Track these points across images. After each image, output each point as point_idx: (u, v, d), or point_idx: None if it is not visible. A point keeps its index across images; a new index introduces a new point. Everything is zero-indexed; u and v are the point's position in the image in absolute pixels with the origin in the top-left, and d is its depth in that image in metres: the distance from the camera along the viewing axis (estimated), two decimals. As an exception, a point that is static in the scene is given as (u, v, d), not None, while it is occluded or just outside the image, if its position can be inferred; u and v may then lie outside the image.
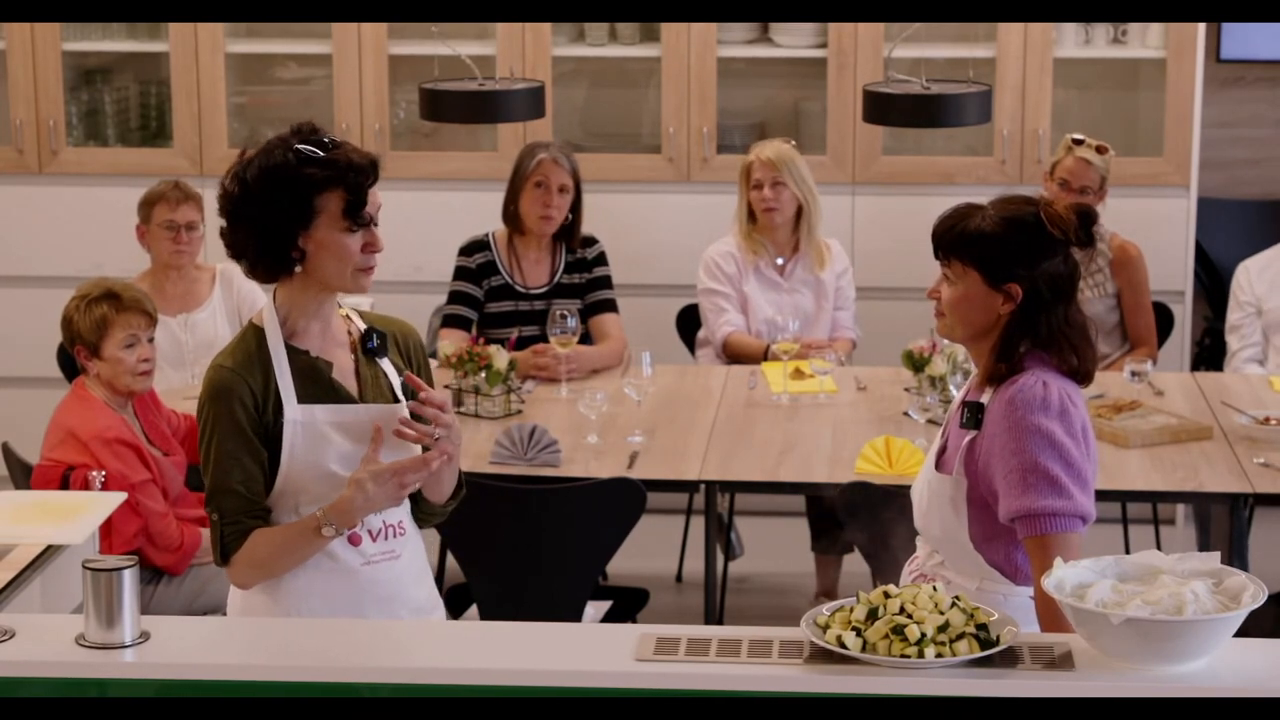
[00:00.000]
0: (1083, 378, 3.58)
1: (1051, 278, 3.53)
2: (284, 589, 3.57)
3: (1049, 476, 3.44)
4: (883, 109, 4.99)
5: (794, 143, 6.30)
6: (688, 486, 5.33)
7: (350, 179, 3.44)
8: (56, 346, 5.80)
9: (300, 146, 3.44)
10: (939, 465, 3.65)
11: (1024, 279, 3.52)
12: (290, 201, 3.44)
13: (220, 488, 3.50)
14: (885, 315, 6.80)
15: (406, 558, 3.64)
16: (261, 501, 3.52)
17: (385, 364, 3.62)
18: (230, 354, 3.54)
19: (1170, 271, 6.82)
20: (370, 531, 3.58)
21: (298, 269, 3.49)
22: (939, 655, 2.98)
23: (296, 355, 3.53)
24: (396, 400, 3.60)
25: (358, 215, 3.45)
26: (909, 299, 6.75)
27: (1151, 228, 6.80)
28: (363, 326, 3.63)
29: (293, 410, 3.50)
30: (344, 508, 3.49)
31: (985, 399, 3.58)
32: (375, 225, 3.50)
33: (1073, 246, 3.56)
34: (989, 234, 3.53)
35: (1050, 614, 3.36)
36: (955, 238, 3.56)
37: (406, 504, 3.64)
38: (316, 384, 3.54)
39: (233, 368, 3.50)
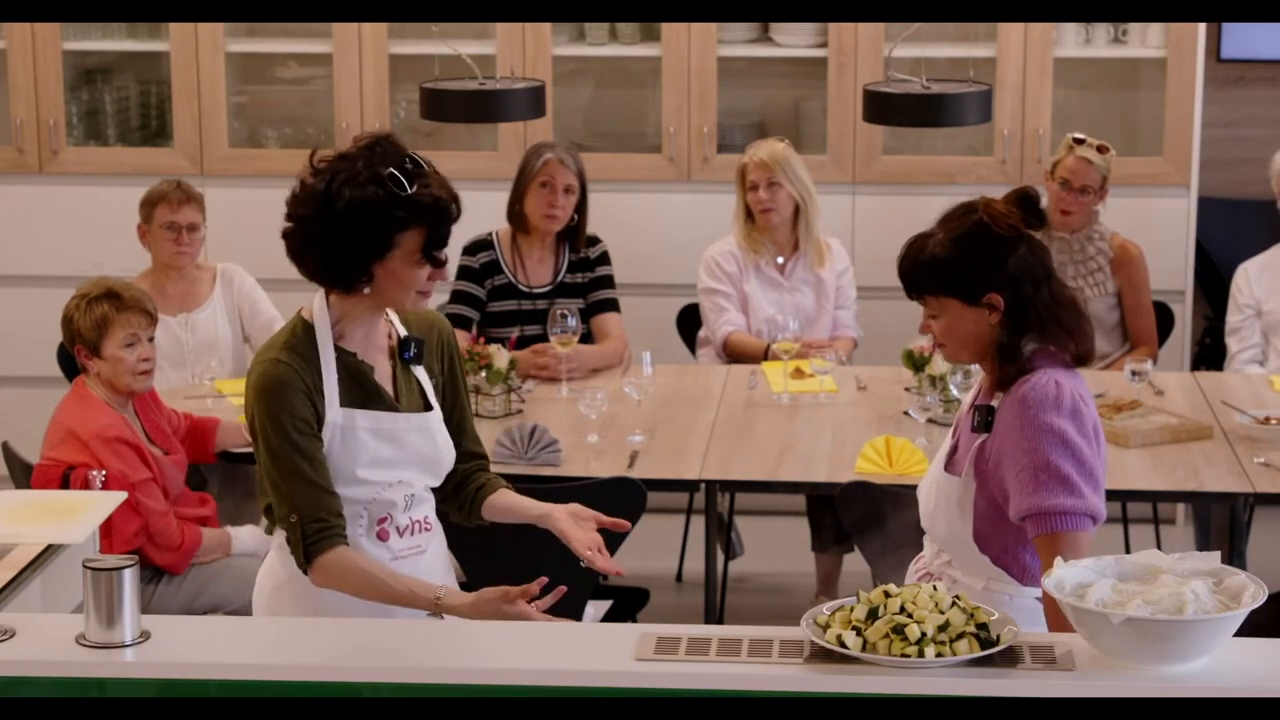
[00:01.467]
0: (1084, 359, 3.59)
1: (1023, 270, 3.54)
2: (310, 592, 3.56)
3: (1060, 475, 3.45)
4: (883, 109, 4.99)
5: (787, 141, 6.31)
6: (688, 486, 5.33)
7: (434, 221, 3.44)
8: (56, 346, 5.80)
9: (388, 176, 3.40)
10: (949, 466, 3.65)
11: (999, 285, 3.53)
12: (372, 235, 3.42)
13: (295, 483, 3.44)
14: (885, 315, 6.80)
15: (431, 553, 3.68)
16: (336, 493, 3.48)
17: (419, 371, 3.63)
18: (282, 348, 3.50)
19: (1170, 271, 6.82)
20: (398, 528, 3.60)
21: (366, 290, 3.48)
22: (939, 655, 2.99)
23: (344, 356, 3.54)
24: (429, 408, 3.61)
25: (435, 255, 3.46)
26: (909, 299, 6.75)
27: (1151, 227, 6.80)
28: (402, 332, 3.63)
29: (334, 413, 3.50)
30: (457, 610, 3.53)
31: (996, 402, 3.59)
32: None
33: (1029, 228, 3.57)
34: (946, 259, 3.54)
35: (1058, 613, 3.35)
36: (919, 274, 3.58)
37: (431, 499, 3.67)
38: (361, 387, 3.54)
39: (288, 361, 3.48)
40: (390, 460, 3.56)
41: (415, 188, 3.42)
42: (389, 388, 3.59)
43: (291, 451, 3.45)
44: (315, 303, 3.55)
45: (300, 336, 3.52)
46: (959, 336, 3.59)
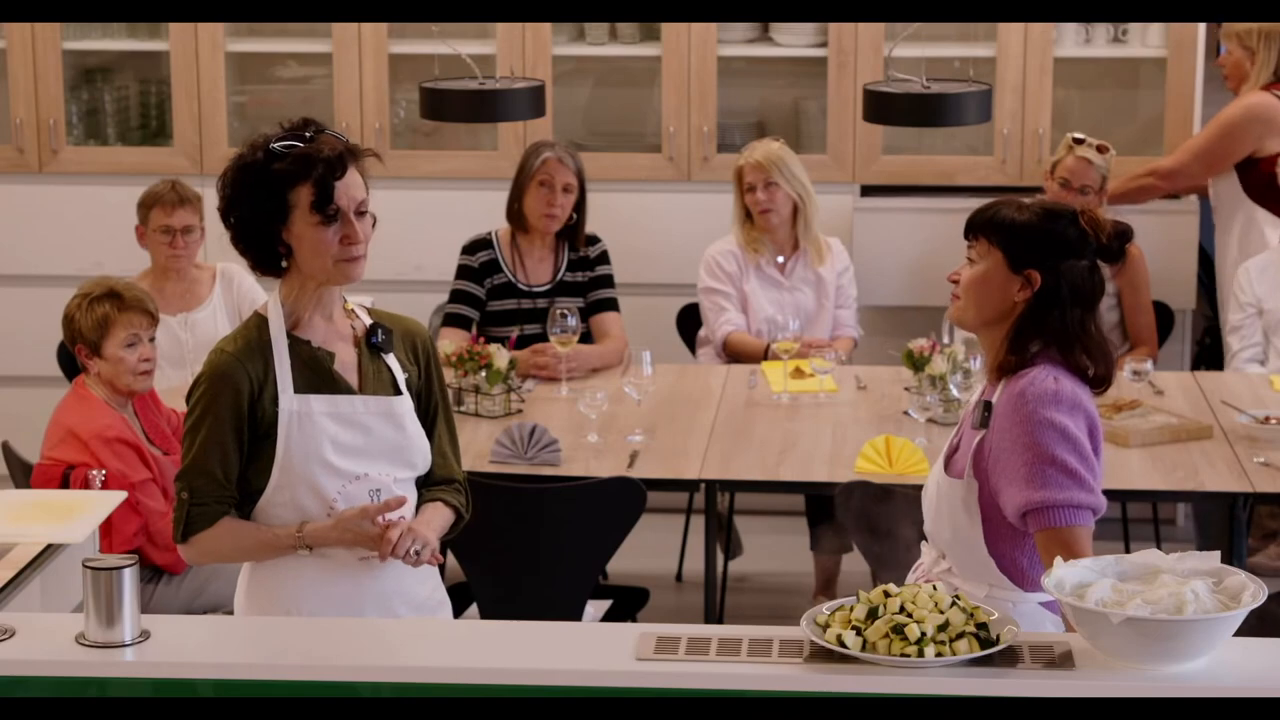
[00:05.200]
0: (1096, 382, 3.58)
1: (1073, 278, 3.55)
2: (281, 583, 3.59)
3: (1067, 468, 3.45)
4: (883, 108, 4.99)
5: (782, 141, 6.31)
6: (688, 485, 5.33)
7: (316, 173, 3.46)
8: (57, 346, 5.80)
9: (275, 145, 3.48)
10: (948, 468, 3.64)
11: (1046, 268, 3.54)
12: (263, 199, 3.48)
13: (198, 467, 3.54)
14: (885, 314, 6.80)
15: None
16: (233, 489, 3.56)
17: (390, 359, 3.64)
18: (233, 340, 3.58)
19: (1174, 272, 6.81)
20: None
21: (285, 264, 3.53)
22: (939, 654, 2.99)
23: (298, 345, 3.56)
24: (399, 394, 3.61)
25: (325, 208, 3.46)
26: (909, 299, 6.75)
27: (1152, 228, 6.80)
28: (368, 321, 3.64)
29: (288, 400, 3.53)
30: (321, 538, 3.55)
31: (994, 397, 3.58)
32: (360, 215, 3.51)
33: (1102, 258, 3.58)
34: (1022, 220, 3.58)
35: None
36: (988, 219, 3.60)
37: (411, 502, 3.65)
38: (316, 374, 3.56)
39: (233, 353, 3.54)
40: (356, 448, 3.57)
41: (297, 148, 3.47)
42: (352, 375, 3.60)
43: (208, 440, 3.53)
44: (271, 296, 3.61)
45: (253, 329, 3.58)
46: (980, 292, 3.59)
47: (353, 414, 3.57)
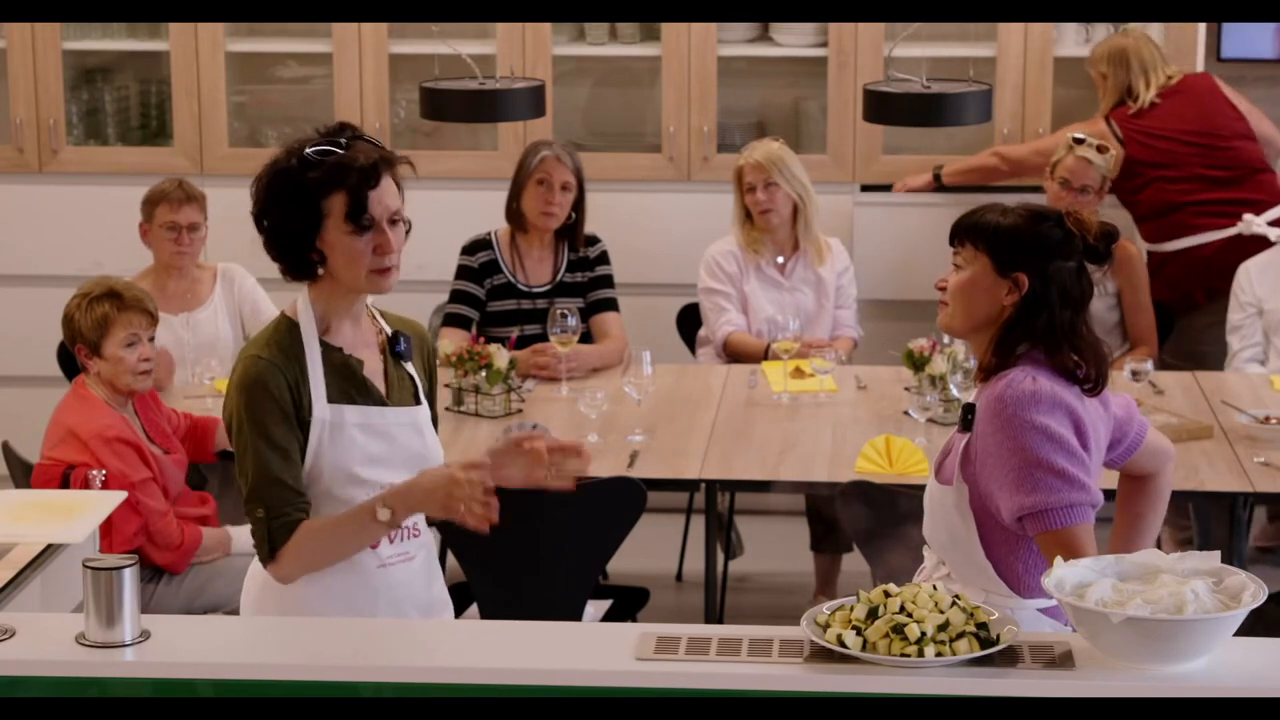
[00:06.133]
0: (1088, 385, 3.56)
1: (1061, 281, 3.54)
2: (296, 591, 3.55)
3: (1054, 469, 3.44)
4: (883, 108, 4.99)
5: (782, 141, 6.31)
6: (688, 485, 5.34)
7: (350, 181, 3.42)
8: (56, 346, 5.80)
9: (309, 150, 3.44)
10: (939, 475, 3.64)
11: (1033, 271, 3.53)
12: (297, 206, 3.43)
13: (264, 480, 3.44)
14: (886, 312, 6.80)
15: (420, 559, 3.64)
16: (304, 491, 3.48)
17: (410, 367, 3.63)
18: (265, 345, 3.50)
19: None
20: (388, 535, 3.57)
21: (320, 271, 3.49)
22: (939, 654, 2.99)
23: (330, 352, 3.52)
24: (418, 403, 3.60)
25: (359, 218, 3.44)
26: (909, 299, 6.75)
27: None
28: (389, 328, 3.63)
29: (321, 409, 3.49)
30: (405, 495, 3.45)
31: (976, 399, 3.58)
32: (393, 224, 3.49)
33: (1089, 259, 3.57)
34: (1007, 224, 3.57)
35: None
36: (973, 223, 3.60)
37: (420, 520, 3.65)
38: (349, 382, 3.52)
39: (269, 359, 3.47)
40: (380, 457, 3.54)
41: (332, 155, 3.43)
42: (380, 382, 3.58)
43: (266, 448, 3.45)
44: (299, 300, 3.56)
45: (284, 333, 3.51)
46: (967, 298, 3.58)
47: (382, 425, 3.54)
